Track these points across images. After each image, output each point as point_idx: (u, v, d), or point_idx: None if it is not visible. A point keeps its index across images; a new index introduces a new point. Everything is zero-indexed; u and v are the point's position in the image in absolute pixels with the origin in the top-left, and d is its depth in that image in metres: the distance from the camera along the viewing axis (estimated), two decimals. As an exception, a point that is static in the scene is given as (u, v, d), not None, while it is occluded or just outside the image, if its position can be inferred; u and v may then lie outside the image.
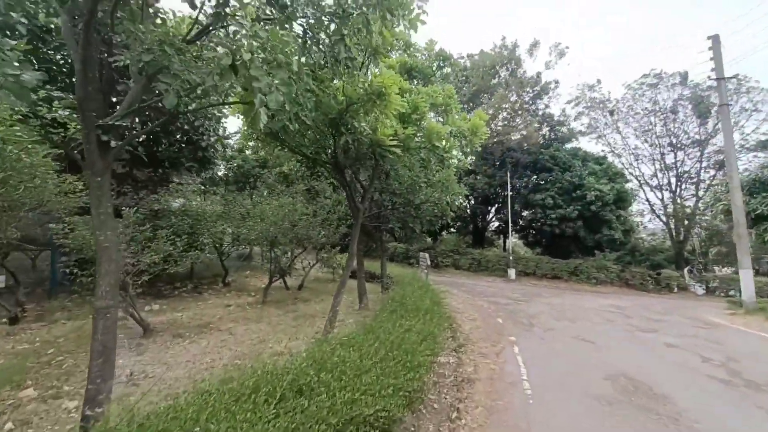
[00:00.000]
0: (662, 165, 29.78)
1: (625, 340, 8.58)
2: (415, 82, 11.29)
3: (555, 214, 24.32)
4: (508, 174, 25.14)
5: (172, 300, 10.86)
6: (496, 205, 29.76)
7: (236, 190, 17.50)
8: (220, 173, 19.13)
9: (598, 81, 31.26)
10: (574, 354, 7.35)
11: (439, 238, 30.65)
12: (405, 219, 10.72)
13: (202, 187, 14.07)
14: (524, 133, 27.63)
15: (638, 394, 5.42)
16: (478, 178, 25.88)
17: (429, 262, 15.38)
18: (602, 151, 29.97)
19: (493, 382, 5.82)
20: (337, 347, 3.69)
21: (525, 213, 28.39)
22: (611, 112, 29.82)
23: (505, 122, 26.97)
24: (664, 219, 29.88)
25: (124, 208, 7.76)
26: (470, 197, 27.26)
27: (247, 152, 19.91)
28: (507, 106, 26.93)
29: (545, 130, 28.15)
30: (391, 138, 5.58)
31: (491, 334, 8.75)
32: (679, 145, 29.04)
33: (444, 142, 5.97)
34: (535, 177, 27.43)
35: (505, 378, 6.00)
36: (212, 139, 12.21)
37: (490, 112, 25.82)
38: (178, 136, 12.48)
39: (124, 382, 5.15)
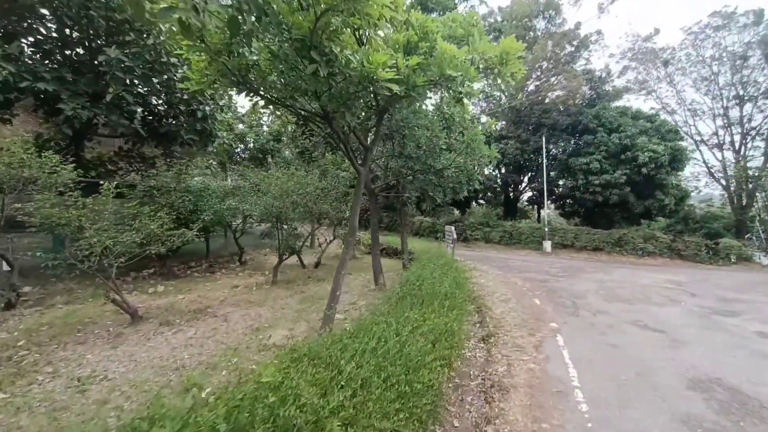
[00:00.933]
0: (725, 120, 25.58)
1: (702, 329, 6.69)
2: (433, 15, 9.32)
3: (599, 180, 21.49)
4: (544, 138, 22.35)
5: (182, 281, 10.13)
6: (530, 174, 27.04)
7: (254, 167, 16.53)
8: (237, 150, 18.24)
9: (656, 30, 26.46)
10: (640, 348, 5.64)
11: (468, 210, 28.65)
12: (424, 187, 9.10)
13: (213, 164, 13.11)
14: (559, 93, 24.37)
15: (748, 414, 3.74)
16: (510, 143, 23.29)
17: (456, 236, 13.76)
18: (652, 108, 26.06)
19: (533, 390, 4.33)
20: (290, 369, 2.33)
21: (562, 181, 25.57)
22: (665, 63, 25.62)
23: (541, 81, 23.90)
24: (723, 182, 26.04)
25: (101, 182, 6.75)
26: (501, 165, 24.82)
27: (264, 127, 18.79)
28: (544, 63, 23.68)
29: (584, 88, 24.69)
30: (389, 69, 3.98)
31: (528, 319, 7.18)
32: (747, 97, 24.69)
33: (460, 74, 4.26)
34: (574, 141, 24.38)
35: (550, 384, 4.49)
36: (207, 108, 10.99)
37: (527, 68, 22.90)
38: (181, 108, 11.44)
39: (73, 387, 4.18)
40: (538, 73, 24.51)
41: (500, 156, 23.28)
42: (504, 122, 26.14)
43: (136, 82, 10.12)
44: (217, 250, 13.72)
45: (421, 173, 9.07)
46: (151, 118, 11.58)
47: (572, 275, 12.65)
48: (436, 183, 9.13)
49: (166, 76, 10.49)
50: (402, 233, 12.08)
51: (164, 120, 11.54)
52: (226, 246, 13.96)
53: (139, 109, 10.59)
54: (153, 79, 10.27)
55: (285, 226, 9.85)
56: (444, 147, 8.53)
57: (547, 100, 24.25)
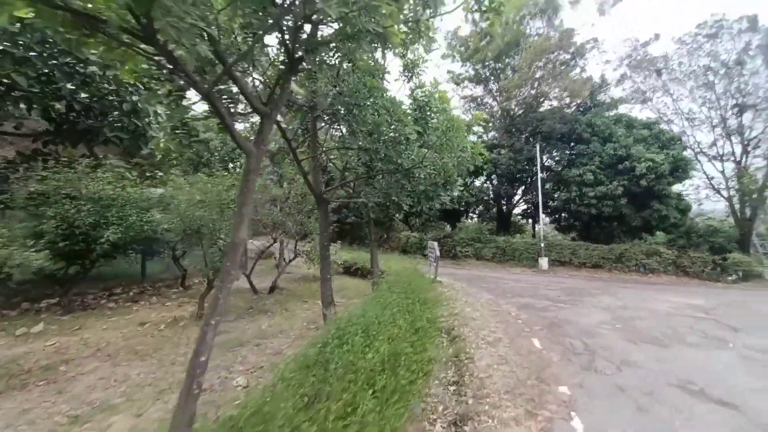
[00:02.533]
0: (724, 130, 23.69)
1: (791, 399, 4.26)
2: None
3: (594, 191, 19.32)
4: (538, 146, 20.25)
5: (83, 314, 7.62)
6: (523, 186, 24.80)
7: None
8: (203, 159, 15.99)
9: (656, 36, 24.83)
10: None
11: (458, 224, 26.26)
12: (387, 191, 6.79)
13: (160, 174, 10.84)
14: (554, 103, 22.44)
15: None
16: (503, 152, 21.15)
17: (438, 253, 11.40)
18: (648, 118, 24.15)
19: None
20: None
21: (557, 193, 23.33)
22: (658, 72, 23.91)
23: (536, 88, 21.99)
24: (725, 194, 23.94)
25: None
26: (493, 176, 22.63)
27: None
28: (538, 71, 21.71)
29: (585, 91, 22.73)
30: None
31: (525, 378, 4.73)
32: (745, 105, 22.91)
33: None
34: (568, 151, 22.28)
35: None
36: (135, 98, 8.73)
37: (516, 77, 21.08)
38: (115, 103, 9.22)
39: None
40: (532, 81, 22.67)
41: (492, 167, 21.15)
42: (496, 132, 24.16)
43: (47, 70, 7.94)
44: (157, 274, 11.27)
45: (386, 173, 6.78)
46: (74, 114, 9.38)
47: (576, 300, 10.20)
48: (403, 185, 6.82)
49: (83, 65, 8.34)
50: (372, 249, 9.69)
51: (89, 115, 9.31)
52: (171, 268, 11.48)
53: (53, 103, 8.41)
54: (68, 66, 8.13)
55: (210, 243, 7.45)
56: (413, 138, 6.27)
57: (542, 108, 22.33)
